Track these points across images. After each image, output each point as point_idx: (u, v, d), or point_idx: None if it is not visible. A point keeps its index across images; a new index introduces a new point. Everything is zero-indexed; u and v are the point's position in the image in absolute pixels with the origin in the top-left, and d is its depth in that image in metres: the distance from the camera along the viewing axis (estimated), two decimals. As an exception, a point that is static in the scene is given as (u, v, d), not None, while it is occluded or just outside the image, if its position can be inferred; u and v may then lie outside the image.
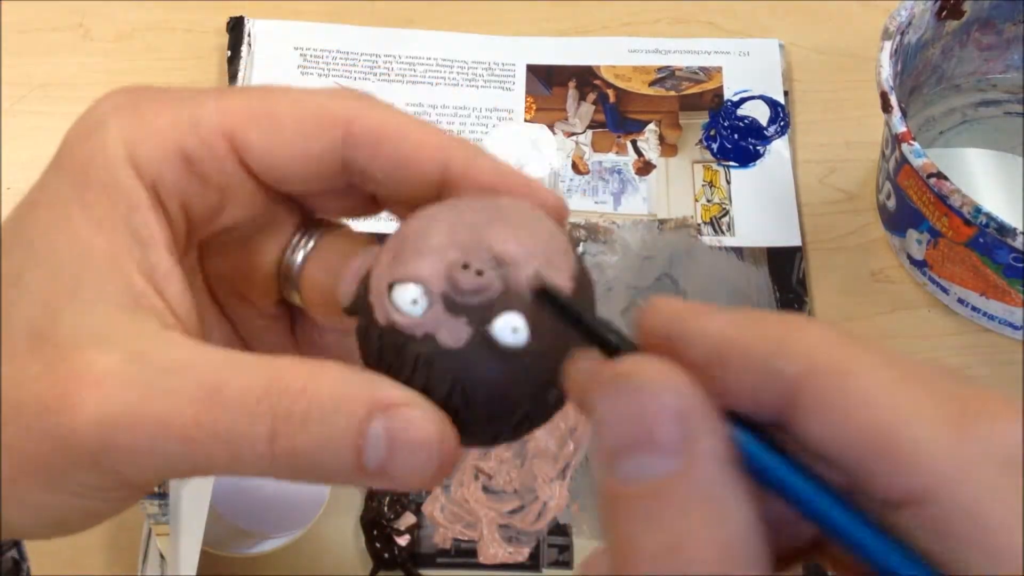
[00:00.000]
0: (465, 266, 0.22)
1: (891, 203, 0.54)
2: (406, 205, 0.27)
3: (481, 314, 0.22)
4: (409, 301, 0.22)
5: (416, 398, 0.22)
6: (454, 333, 0.22)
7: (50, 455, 0.23)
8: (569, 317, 0.22)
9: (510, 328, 0.22)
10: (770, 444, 0.18)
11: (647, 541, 0.17)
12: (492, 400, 0.23)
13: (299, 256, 0.28)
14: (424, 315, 0.22)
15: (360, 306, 0.24)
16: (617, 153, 0.60)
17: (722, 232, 0.57)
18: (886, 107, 0.50)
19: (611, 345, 0.21)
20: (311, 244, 0.28)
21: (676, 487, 0.17)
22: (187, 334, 0.24)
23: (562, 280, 0.23)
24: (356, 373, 0.23)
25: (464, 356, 0.22)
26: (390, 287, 0.23)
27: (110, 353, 0.23)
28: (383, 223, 0.28)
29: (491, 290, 0.22)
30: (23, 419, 0.23)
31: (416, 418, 0.22)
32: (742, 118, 0.61)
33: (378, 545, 0.46)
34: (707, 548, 0.17)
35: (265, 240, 0.28)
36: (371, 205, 0.28)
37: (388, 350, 0.23)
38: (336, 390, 0.22)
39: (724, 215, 0.57)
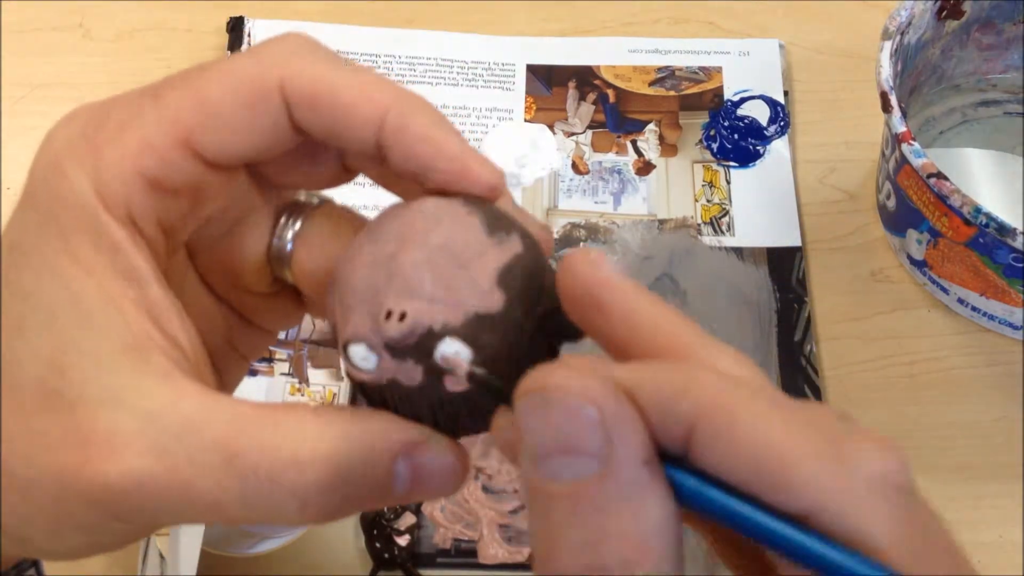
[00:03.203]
0: (388, 314, 0.23)
1: (891, 203, 0.54)
2: (375, 170, 0.27)
3: (423, 349, 0.23)
4: (360, 359, 0.23)
5: (424, 431, 0.24)
6: (408, 375, 0.23)
7: (85, 515, 0.24)
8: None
9: (452, 353, 0.23)
10: (692, 471, 0.19)
11: (568, 537, 0.19)
12: (472, 409, 0.24)
13: (287, 240, 0.28)
14: (378, 367, 0.23)
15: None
16: (617, 153, 0.60)
17: (722, 232, 0.57)
18: (886, 107, 0.50)
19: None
20: (298, 225, 0.28)
21: (596, 487, 0.19)
22: (195, 370, 0.25)
23: (469, 294, 0.23)
24: (363, 422, 0.24)
25: (428, 388, 0.23)
26: (344, 348, 0.24)
27: (122, 414, 0.23)
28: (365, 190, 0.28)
29: (420, 326, 0.23)
30: (54, 484, 0.24)
31: (434, 452, 0.24)
32: (742, 118, 0.61)
33: (378, 545, 0.46)
34: (623, 543, 0.18)
35: (249, 230, 0.28)
36: (343, 173, 0.28)
37: (373, 392, 0.24)
38: (355, 445, 0.23)
39: (724, 215, 0.57)
